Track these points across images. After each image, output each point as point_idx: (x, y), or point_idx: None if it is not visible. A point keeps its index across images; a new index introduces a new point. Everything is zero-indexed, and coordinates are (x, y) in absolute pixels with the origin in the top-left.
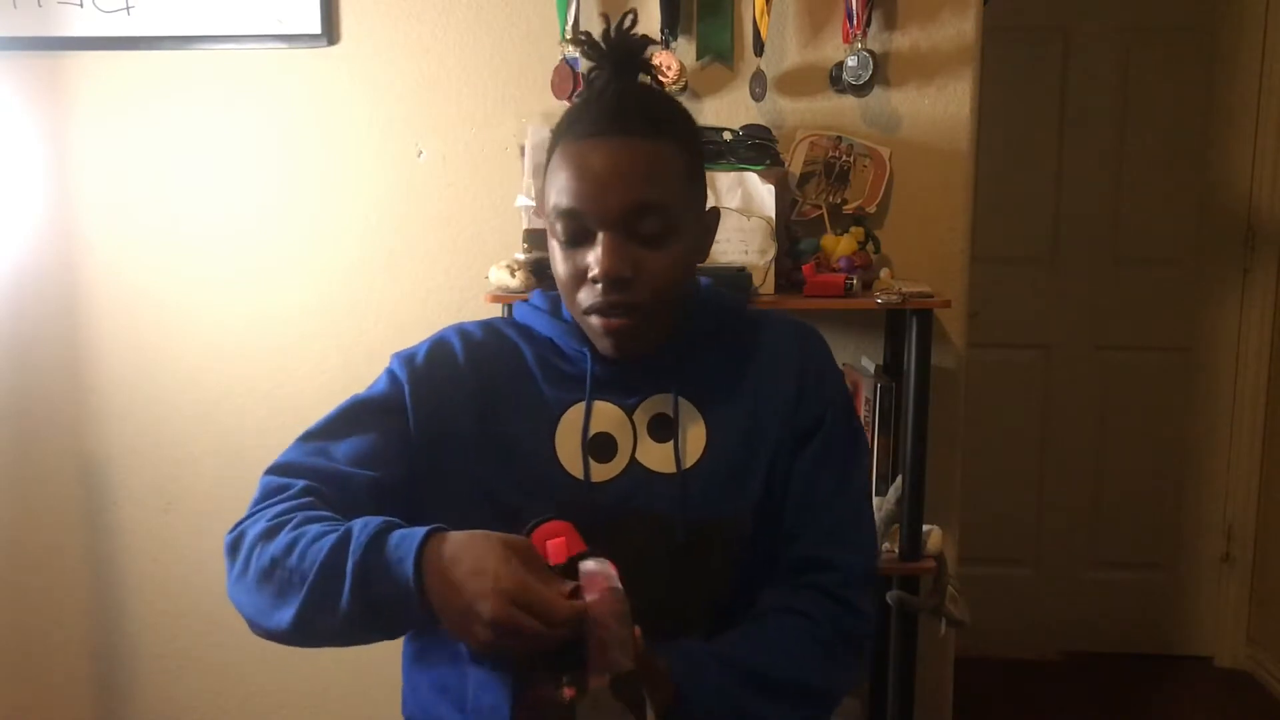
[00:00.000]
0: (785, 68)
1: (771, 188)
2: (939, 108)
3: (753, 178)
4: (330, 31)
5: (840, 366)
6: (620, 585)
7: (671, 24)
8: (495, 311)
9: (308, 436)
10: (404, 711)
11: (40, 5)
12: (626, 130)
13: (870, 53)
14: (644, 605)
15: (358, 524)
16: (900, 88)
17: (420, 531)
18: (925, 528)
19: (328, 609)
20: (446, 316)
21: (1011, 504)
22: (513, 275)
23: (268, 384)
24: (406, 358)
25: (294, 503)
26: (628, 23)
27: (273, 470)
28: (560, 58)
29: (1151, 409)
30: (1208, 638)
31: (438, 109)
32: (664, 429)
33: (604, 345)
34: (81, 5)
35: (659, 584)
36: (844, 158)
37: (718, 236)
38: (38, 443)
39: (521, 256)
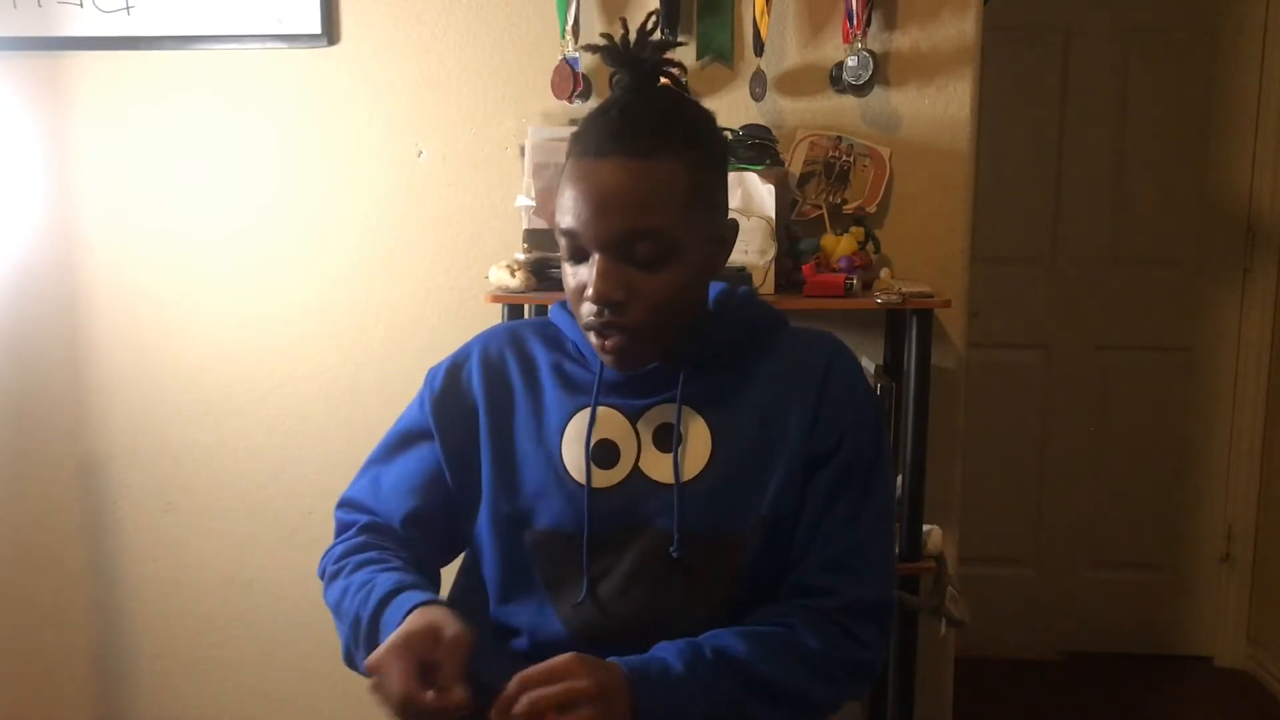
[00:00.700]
0: (785, 68)
1: (771, 188)
2: (939, 108)
3: (753, 178)
4: (330, 31)
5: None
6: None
7: (671, 24)
8: (495, 311)
9: (367, 464)
10: None
11: (40, 5)
12: (626, 151)
13: (870, 53)
14: (635, 619)
15: (378, 584)
16: (900, 88)
17: (406, 605)
18: (925, 528)
19: (356, 653)
20: (446, 316)
21: (1011, 504)
22: (513, 275)
23: (268, 384)
24: (430, 378)
25: (352, 543)
26: (650, 24)
27: (341, 505)
28: (560, 58)
29: (1151, 409)
30: (1208, 638)
31: (438, 109)
32: (669, 439)
33: (605, 360)
34: (81, 5)
35: (651, 597)
36: (844, 158)
37: None
38: (38, 443)
39: (521, 256)
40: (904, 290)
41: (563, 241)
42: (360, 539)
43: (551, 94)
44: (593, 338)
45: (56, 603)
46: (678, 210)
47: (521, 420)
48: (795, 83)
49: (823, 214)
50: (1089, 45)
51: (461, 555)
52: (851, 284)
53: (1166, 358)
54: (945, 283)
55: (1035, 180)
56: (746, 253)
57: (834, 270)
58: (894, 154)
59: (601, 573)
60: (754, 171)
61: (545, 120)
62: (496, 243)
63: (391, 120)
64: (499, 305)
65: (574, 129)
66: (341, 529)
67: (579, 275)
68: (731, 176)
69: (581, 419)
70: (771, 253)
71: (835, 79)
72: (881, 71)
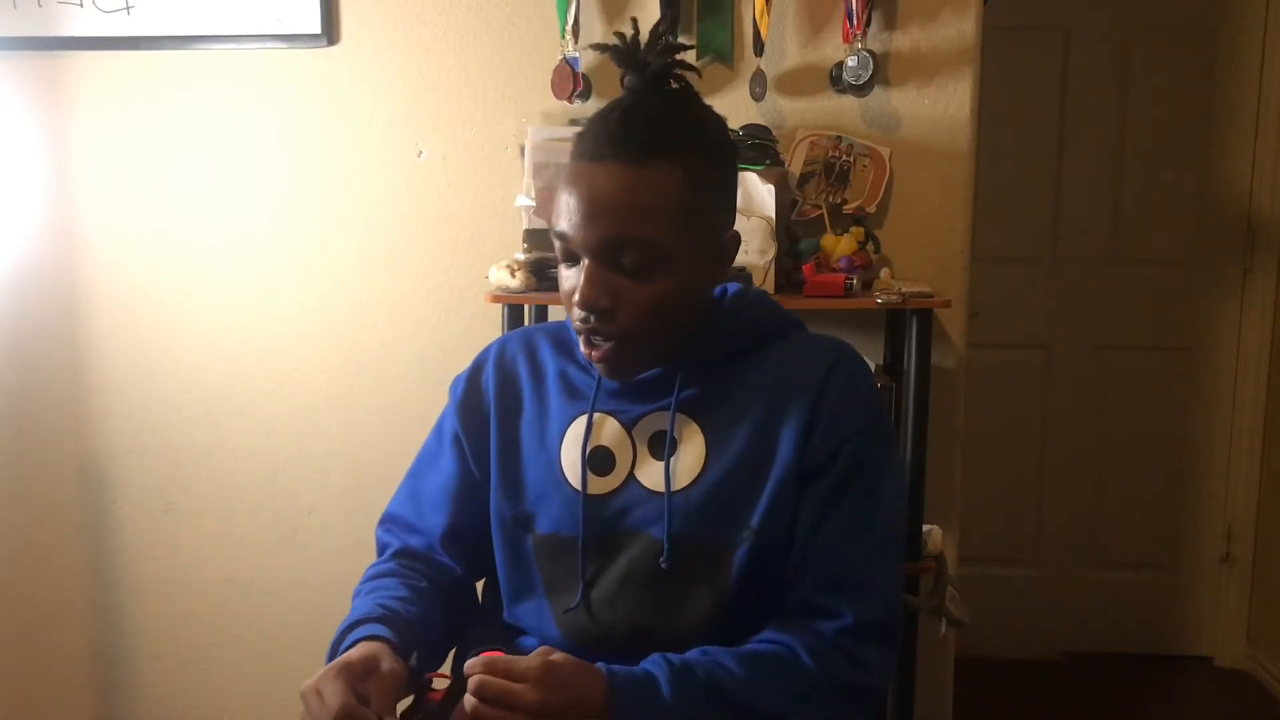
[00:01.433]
0: (785, 68)
1: (771, 188)
2: (939, 108)
3: (753, 178)
4: (330, 31)
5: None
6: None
7: (671, 24)
8: (495, 311)
9: (407, 477)
10: None
11: (40, 5)
12: (621, 156)
13: (870, 53)
14: (624, 625)
15: (354, 610)
16: (900, 88)
17: (357, 636)
18: (925, 528)
19: None
20: (446, 316)
21: (1011, 504)
22: (513, 275)
23: (268, 384)
24: (453, 386)
25: (381, 567)
26: (662, 28)
27: (382, 522)
28: (560, 57)
29: (1151, 409)
30: (1208, 638)
31: (438, 109)
32: (664, 447)
33: (596, 367)
34: (81, 5)
35: (640, 605)
36: (844, 158)
37: None
38: (38, 443)
39: (521, 256)
40: (904, 290)
41: (556, 244)
42: (389, 564)
43: (551, 94)
44: (582, 344)
45: (56, 603)
46: (668, 220)
47: (527, 424)
48: (795, 83)
49: (823, 214)
50: (1089, 45)
51: None
52: (851, 284)
53: (1166, 358)
54: (945, 283)
55: (1035, 180)
56: (746, 253)
57: (834, 270)
58: (894, 154)
59: (596, 579)
60: (754, 171)
61: (545, 120)
62: (496, 243)
63: (391, 120)
64: (499, 305)
65: (574, 129)
66: (379, 549)
67: (571, 279)
68: None
69: (580, 425)
70: (771, 253)
71: (835, 79)
72: (881, 71)
